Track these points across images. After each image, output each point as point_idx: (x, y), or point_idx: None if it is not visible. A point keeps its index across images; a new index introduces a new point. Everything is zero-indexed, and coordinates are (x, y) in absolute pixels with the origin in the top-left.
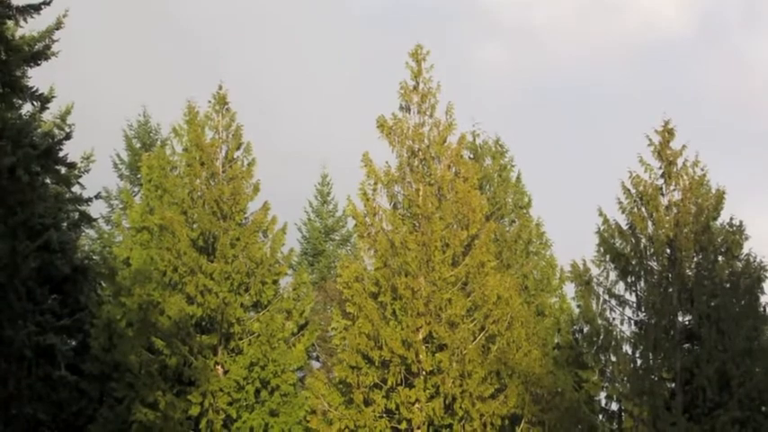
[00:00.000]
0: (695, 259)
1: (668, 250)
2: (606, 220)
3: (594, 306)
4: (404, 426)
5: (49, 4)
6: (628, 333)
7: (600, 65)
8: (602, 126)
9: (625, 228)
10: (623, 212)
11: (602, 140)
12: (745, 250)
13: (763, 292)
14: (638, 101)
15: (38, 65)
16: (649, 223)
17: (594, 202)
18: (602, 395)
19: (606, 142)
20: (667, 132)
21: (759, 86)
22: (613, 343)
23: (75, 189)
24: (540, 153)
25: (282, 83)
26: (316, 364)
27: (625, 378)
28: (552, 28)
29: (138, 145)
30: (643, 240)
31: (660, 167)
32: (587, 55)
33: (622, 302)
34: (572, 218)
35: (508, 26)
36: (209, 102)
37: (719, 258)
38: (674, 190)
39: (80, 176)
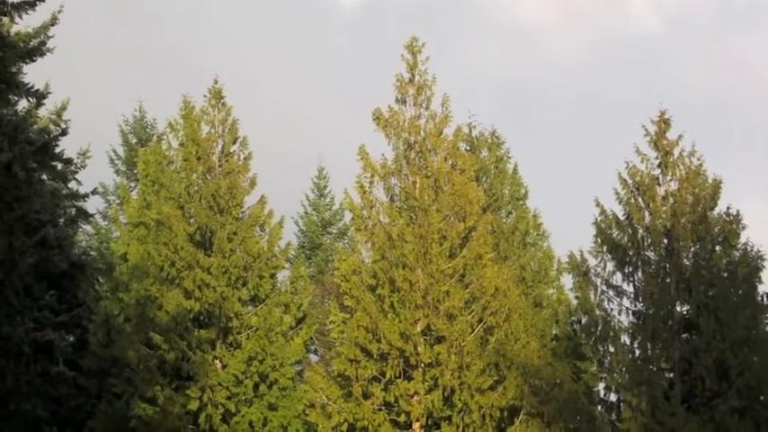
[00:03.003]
0: (692, 249)
1: (665, 240)
2: (603, 211)
3: (592, 297)
4: (402, 418)
5: (43, 0)
6: (626, 323)
7: (594, 58)
8: (599, 117)
9: (622, 218)
10: (620, 203)
11: (599, 131)
12: (742, 239)
13: (760, 282)
14: (634, 92)
15: (33, 61)
16: (646, 213)
17: (592, 192)
18: (601, 386)
19: (603, 133)
20: (663, 122)
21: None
22: (611, 333)
23: (72, 185)
24: (537, 145)
25: (277, 77)
26: (314, 358)
27: (623, 368)
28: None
29: (135, 140)
30: (640, 231)
31: (656, 157)
32: (582, 49)
33: (620, 293)
34: (569, 209)
35: (500, 22)
36: (205, 96)
37: (717, 248)
38: (671, 180)
39: (76, 172)
